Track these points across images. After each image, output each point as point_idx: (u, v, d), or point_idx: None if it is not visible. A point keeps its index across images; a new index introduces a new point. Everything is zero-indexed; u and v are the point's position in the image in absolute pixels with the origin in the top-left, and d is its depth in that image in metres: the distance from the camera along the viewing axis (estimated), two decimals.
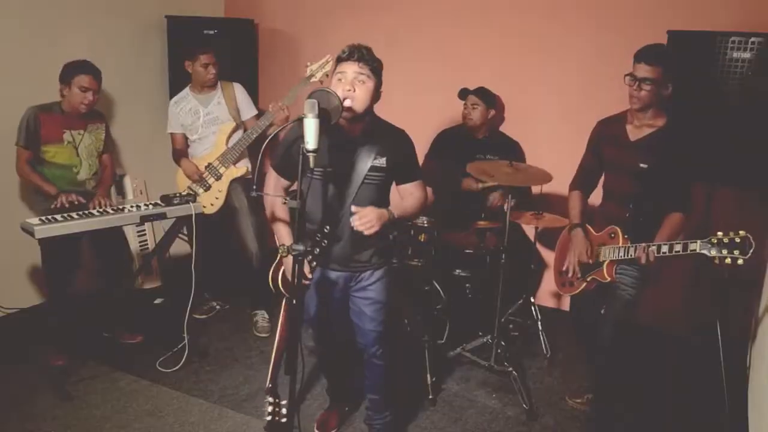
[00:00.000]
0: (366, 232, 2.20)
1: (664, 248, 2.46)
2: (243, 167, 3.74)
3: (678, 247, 2.41)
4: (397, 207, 2.37)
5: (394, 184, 2.44)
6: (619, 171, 2.73)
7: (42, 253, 3.18)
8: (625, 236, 2.64)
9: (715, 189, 3.13)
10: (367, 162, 2.27)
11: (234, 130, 3.71)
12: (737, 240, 2.25)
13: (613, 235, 2.68)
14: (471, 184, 3.69)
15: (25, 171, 3.24)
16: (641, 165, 2.61)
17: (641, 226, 2.62)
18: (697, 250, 2.34)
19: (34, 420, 2.84)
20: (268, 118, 3.56)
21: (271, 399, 2.62)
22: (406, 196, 2.43)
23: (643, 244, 2.51)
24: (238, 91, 3.79)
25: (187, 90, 3.76)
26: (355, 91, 2.14)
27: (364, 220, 2.21)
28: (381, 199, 2.35)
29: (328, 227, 2.30)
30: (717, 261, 2.29)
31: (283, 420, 2.65)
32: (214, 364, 3.41)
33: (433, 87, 4.21)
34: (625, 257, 2.59)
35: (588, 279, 2.77)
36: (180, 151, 3.80)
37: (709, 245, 2.31)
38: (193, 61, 3.62)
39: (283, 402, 2.68)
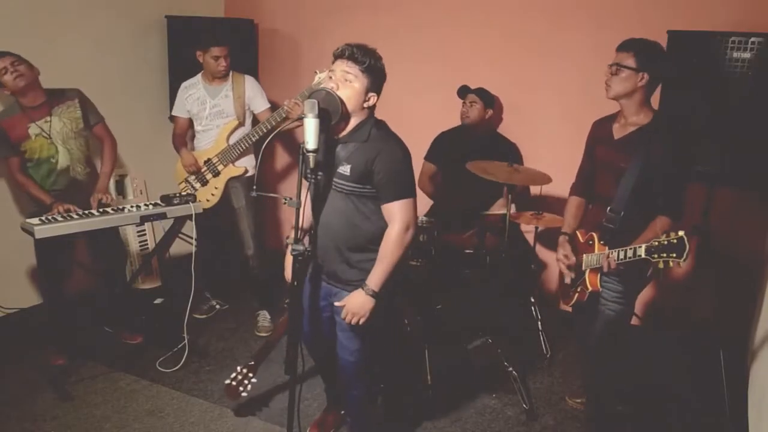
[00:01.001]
0: (357, 323, 2.19)
1: (621, 254, 2.37)
2: (241, 167, 3.72)
3: (630, 253, 2.33)
4: (376, 270, 2.18)
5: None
6: (604, 171, 2.61)
7: (37, 253, 3.17)
8: (602, 242, 2.50)
9: (715, 189, 3.13)
10: (336, 167, 2.17)
11: (236, 128, 3.70)
12: (674, 241, 2.16)
13: (590, 242, 2.56)
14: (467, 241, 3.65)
15: (20, 180, 3.18)
16: (621, 165, 2.47)
17: (618, 231, 2.47)
18: (642, 255, 2.26)
19: (34, 420, 2.84)
20: (281, 114, 3.52)
21: (243, 369, 2.71)
22: (387, 218, 2.20)
23: (606, 251, 2.42)
24: (249, 85, 3.73)
25: (198, 77, 3.72)
26: (338, 89, 2.09)
27: (348, 317, 2.18)
28: (357, 212, 2.21)
29: (311, 231, 2.27)
30: (661, 265, 2.20)
31: (244, 393, 2.79)
32: (214, 364, 3.41)
33: (432, 87, 4.21)
34: (597, 264, 2.48)
35: (578, 290, 2.66)
36: (179, 137, 3.77)
37: (652, 249, 2.22)
38: (204, 51, 3.58)
39: (254, 380, 2.80)
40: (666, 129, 2.46)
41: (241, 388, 2.80)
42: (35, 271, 3.73)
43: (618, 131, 2.56)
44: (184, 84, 3.75)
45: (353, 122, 2.17)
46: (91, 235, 3.11)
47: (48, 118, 3.18)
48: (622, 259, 2.37)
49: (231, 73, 3.71)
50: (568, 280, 2.70)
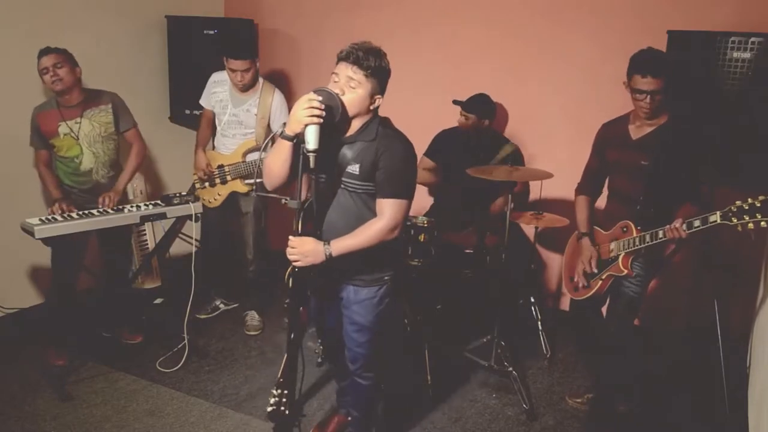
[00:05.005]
0: (292, 263, 2.11)
1: (684, 226, 2.48)
2: (248, 186, 3.64)
3: (697, 222, 2.44)
4: (343, 240, 2.15)
5: None
6: (622, 170, 2.77)
7: (52, 252, 3.19)
8: (638, 228, 2.68)
9: (715, 189, 3.12)
10: (344, 166, 2.17)
11: (253, 149, 3.61)
12: (758, 204, 2.27)
13: (625, 229, 2.73)
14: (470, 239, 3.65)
15: (41, 171, 3.29)
16: (642, 162, 2.65)
17: (650, 221, 2.65)
18: (718, 221, 2.36)
19: (34, 420, 2.84)
20: None
21: (277, 391, 2.67)
22: (378, 213, 2.19)
23: (671, 225, 2.53)
24: (276, 104, 3.58)
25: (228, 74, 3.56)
26: (344, 95, 2.08)
27: (290, 251, 2.10)
28: (366, 209, 2.21)
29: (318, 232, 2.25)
30: (740, 228, 2.31)
31: (287, 411, 2.68)
32: (214, 364, 3.41)
33: (433, 87, 4.20)
34: (642, 245, 2.63)
35: (603, 277, 2.80)
36: (204, 129, 3.70)
37: (730, 213, 2.32)
38: (226, 60, 3.47)
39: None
40: (684, 125, 2.66)
41: (283, 408, 2.69)
42: (35, 271, 3.73)
43: (635, 132, 2.74)
44: (215, 77, 3.65)
45: (359, 122, 2.17)
46: (104, 234, 3.20)
47: (78, 120, 3.24)
48: (685, 230, 2.49)
49: (262, 85, 3.59)
50: (577, 279, 2.87)
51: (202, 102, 3.72)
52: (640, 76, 2.57)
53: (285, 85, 4.64)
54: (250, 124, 3.59)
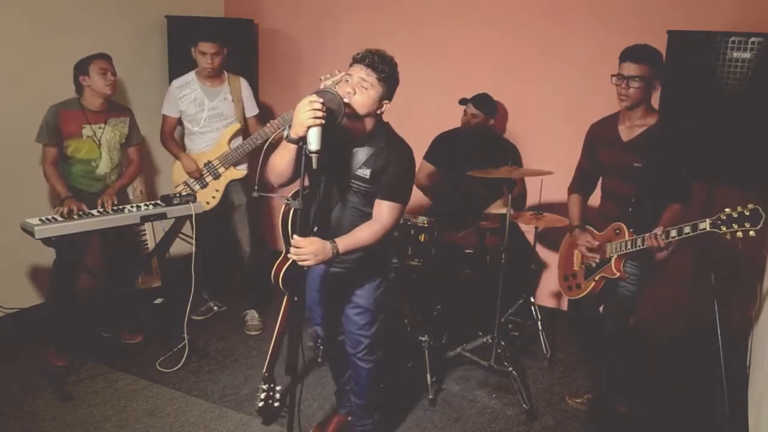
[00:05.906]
0: (299, 263, 2.13)
1: (673, 233, 2.47)
2: (243, 170, 3.73)
3: (687, 229, 2.43)
4: (348, 238, 2.20)
5: None
6: (614, 172, 2.77)
7: (56, 252, 3.19)
8: (630, 230, 2.68)
9: (715, 188, 3.13)
10: (353, 168, 2.24)
11: (238, 133, 3.70)
12: (746, 213, 2.27)
13: (618, 231, 2.73)
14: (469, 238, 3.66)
15: (48, 170, 3.25)
16: (635, 164, 2.65)
17: (643, 223, 2.65)
18: (707, 229, 2.36)
19: (34, 420, 2.84)
20: (282, 123, 3.45)
21: (265, 386, 2.73)
22: (375, 214, 2.27)
23: (651, 233, 2.53)
24: (244, 87, 3.74)
25: (192, 76, 3.66)
26: (355, 94, 2.13)
27: (298, 251, 2.11)
28: (370, 207, 2.28)
29: (316, 228, 2.28)
30: (728, 236, 2.31)
31: (276, 404, 2.79)
32: (214, 364, 3.41)
33: (433, 87, 4.20)
34: (633, 249, 2.63)
35: (596, 278, 2.81)
36: (170, 136, 3.75)
37: (719, 222, 2.33)
38: (195, 47, 3.56)
39: (278, 388, 2.81)
40: (674, 127, 2.65)
41: (271, 401, 2.81)
42: (35, 271, 3.73)
43: (626, 133, 2.72)
44: (176, 83, 3.69)
45: (368, 125, 2.23)
46: (105, 234, 3.22)
47: (102, 125, 3.32)
48: (674, 237, 2.48)
49: (227, 75, 3.70)
50: (593, 264, 2.86)
51: (165, 111, 3.73)
52: (622, 62, 2.60)
53: (285, 85, 4.65)
54: (229, 114, 3.68)
